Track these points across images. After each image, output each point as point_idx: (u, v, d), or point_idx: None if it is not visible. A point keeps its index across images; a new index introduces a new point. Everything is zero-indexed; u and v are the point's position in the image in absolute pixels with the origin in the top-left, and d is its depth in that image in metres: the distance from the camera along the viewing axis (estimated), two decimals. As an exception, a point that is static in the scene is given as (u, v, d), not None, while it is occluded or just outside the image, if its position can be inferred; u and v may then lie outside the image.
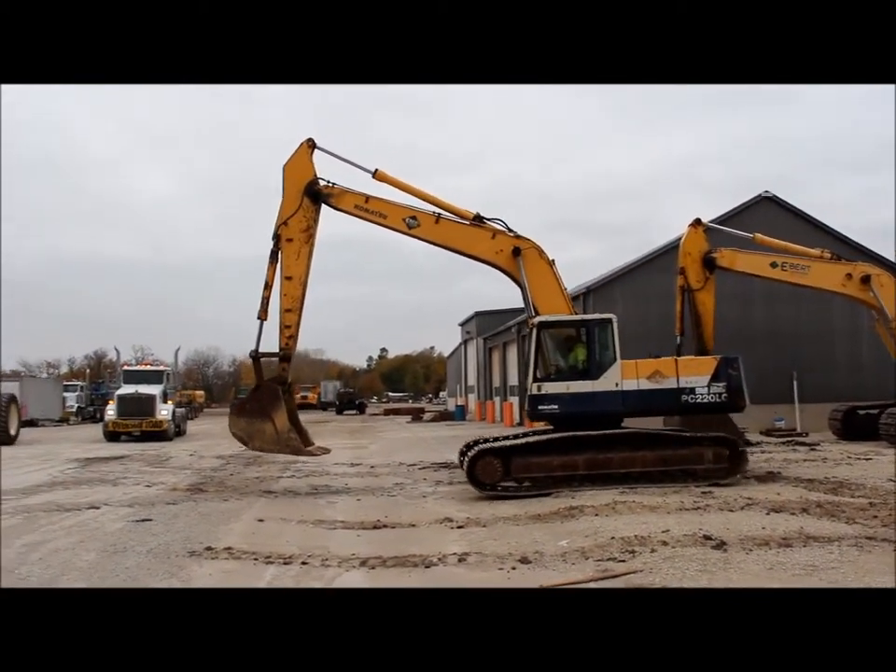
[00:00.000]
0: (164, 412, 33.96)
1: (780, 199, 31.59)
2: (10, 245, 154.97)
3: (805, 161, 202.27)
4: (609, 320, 15.81)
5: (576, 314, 16.51)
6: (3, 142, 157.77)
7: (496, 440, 16.17)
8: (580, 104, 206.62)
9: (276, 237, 16.31)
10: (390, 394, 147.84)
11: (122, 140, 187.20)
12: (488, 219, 16.46)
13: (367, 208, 16.38)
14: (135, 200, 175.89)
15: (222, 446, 28.48)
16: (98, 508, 14.05)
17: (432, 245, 16.66)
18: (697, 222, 22.99)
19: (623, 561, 9.04)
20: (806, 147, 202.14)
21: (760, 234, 22.90)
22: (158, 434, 33.19)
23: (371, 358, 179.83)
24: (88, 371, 77.23)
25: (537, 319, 15.74)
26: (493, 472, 14.61)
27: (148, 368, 38.65)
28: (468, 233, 16.41)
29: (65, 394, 56.61)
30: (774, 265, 22.39)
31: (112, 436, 33.33)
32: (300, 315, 16.44)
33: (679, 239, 23.89)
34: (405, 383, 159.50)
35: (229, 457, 24.04)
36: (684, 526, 10.69)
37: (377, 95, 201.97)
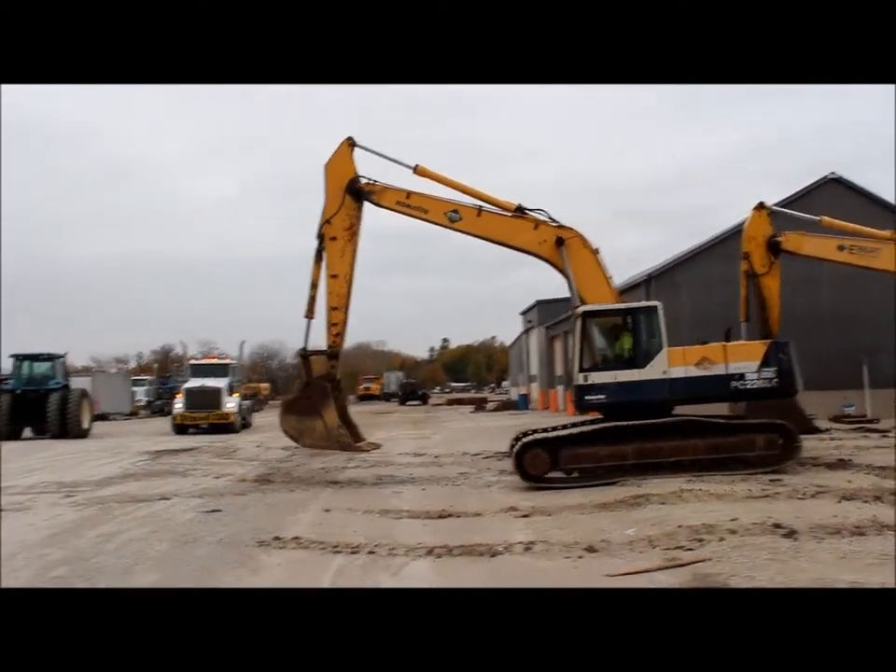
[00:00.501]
0: (230, 404, 34.42)
1: (847, 180, 30.69)
2: (81, 248, 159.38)
3: (872, 143, 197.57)
4: (655, 307, 15.66)
5: (622, 302, 16.30)
6: (69, 147, 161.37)
7: (544, 430, 16.10)
8: (637, 97, 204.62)
9: (320, 236, 16.47)
10: (452, 384, 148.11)
11: (183, 144, 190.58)
12: (530, 210, 16.30)
13: (408, 204, 16.38)
14: (199, 201, 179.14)
15: (287, 438, 28.75)
16: (169, 499, 14.34)
17: (475, 238, 16.62)
18: (761, 206, 22.55)
19: (691, 549, 8.94)
20: (874, 130, 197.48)
21: (826, 217, 22.40)
22: (224, 426, 33.66)
23: (433, 349, 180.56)
24: (155, 365, 78.64)
25: (581, 309, 15.57)
26: (540, 464, 14.56)
27: (214, 361, 39.18)
28: (510, 225, 16.29)
29: (134, 388, 57.86)
30: (841, 248, 21.86)
31: (180, 429, 33.91)
32: (346, 313, 16.58)
33: (743, 224, 23.50)
34: (467, 372, 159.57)
35: (294, 449, 24.18)
36: (753, 514, 10.52)
37: (433, 94, 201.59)
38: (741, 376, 15.17)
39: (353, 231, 16.45)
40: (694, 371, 15.13)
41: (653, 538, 9.59)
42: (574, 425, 16.07)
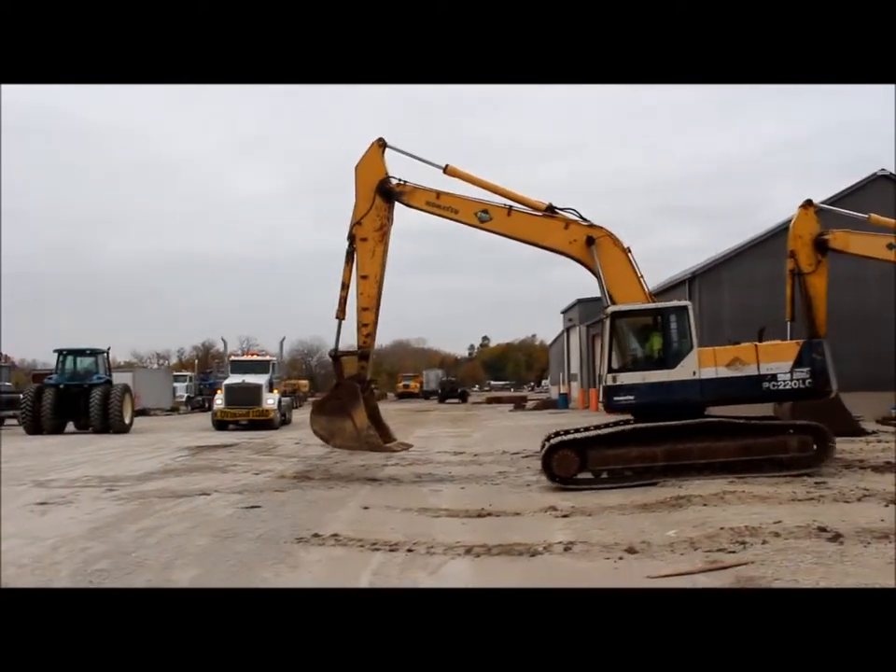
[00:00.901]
0: (270, 401, 34.60)
1: (896, 177, 30.22)
2: (121, 246, 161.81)
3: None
4: (685, 307, 15.48)
5: (653, 302, 16.09)
6: (106, 147, 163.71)
7: (575, 431, 15.98)
8: (675, 95, 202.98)
9: (351, 237, 16.53)
10: (492, 382, 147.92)
11: (222, 144, 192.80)
12: (561, 209, 16.18)
13: (438, 204, 16.37)
14: (238, 199, 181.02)
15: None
16: (209, 494, 14.43)
17: (506, 238, 16.55)
18: (808, 203, 22.20)
19: (734, 552, 8.79)
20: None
21: (875, 215, 22.01)
22: (264, 423, 33.87)
23: (472, 347, 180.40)
24: (196, 361, 79.34)
25: (610, 309, 15.40)
26: (569, 465, 14.45)
27: (255, 358, 39.47)
28: (540, 225, 16.19)
29: (175, 384, 58.38)
30: (891, 246, 21.43)
31: (220, 424, 34.17)
32: (377, 314, 16.64)
33: (789, 221, 23.16)
34: (507, 371, 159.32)
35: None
36: (797, 517, 10.32)
37: (463, 93, 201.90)
38: (773, 377, 14.94)
39: (383, 232, 16.51)
40: (725, 372, 14.92)
41: (695, 539, 9.45)
42: (607, 425, 15.94)
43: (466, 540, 9.91)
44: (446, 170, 16.49)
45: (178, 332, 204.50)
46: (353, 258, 16.50)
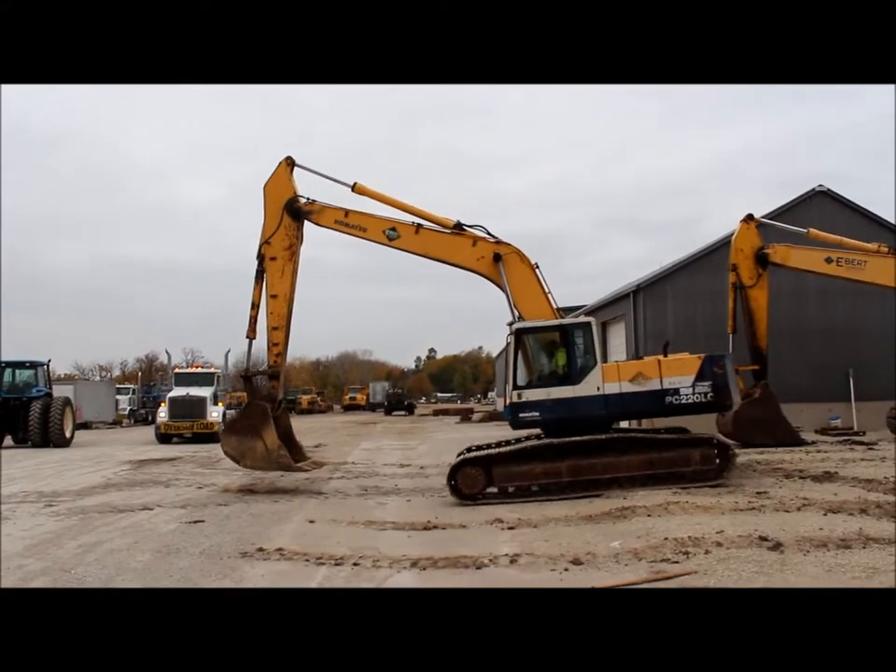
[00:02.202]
0: (215, 413, 34.25)
1: (835, 193, 30.69)
2: (63, 253, 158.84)
3: (856, 156, 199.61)
4: (588, 324, 15.59)
5: (562, 318, 16.14)
6: (59, 152, 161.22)
7: (485, 447, 16.01)
8: (627, 104, 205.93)
9: (260, 256, 16.61)
10: (439, 394, 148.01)
11: (167, 149, 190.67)
12: (469, 226, 16.27)
13: (347, 222, 16.49)
14: (181, 206, 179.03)
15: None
16: (151, 509, 14.20)
17: (415, 256, 16.60)
18: (749, 218, 22.69)
19: (677, 562, 8.89)
20: (857, 141, 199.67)
21: (814, 229, 22.52)
22: (209, 436, 33.42)
23: (419, 359, 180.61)
24: (139, 373, 78.08)
25: (514, 326, 15.52)
26: (474, 482, 14.54)
27: (199, 370, 39.03)
28: (448, 242, 16.28)
29: (118, 396, 57.44)
30: (829, 260, 22.00)
31: (164, 438, 33.68)
32: (287, 333, 16.80)
33: (731, 235, 23.59)
34: (454, 383, 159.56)
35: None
36: (739, 527, 10.48)
37: (426, 99, 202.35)
38: (676, 391, 15.03)
39: (292, 251, 16.60)
40: (629, 387, 15.03)
41: (639, 550, 9.54)
42: (528, 438, 16.04)
43: (412, 553, 9.88)
44: (354, 188, 16.61)
45: (122, 344, 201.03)
46: (262, 277, 16.58)
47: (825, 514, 11.39)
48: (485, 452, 15.22)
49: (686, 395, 15.01)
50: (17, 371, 34.15)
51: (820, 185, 30.74)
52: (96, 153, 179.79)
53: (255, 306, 16.65)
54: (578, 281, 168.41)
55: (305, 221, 16.72)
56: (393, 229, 16.26)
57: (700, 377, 15.05)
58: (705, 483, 14.24)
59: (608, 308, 34.20)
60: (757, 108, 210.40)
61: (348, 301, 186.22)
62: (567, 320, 15.83)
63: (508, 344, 15.69)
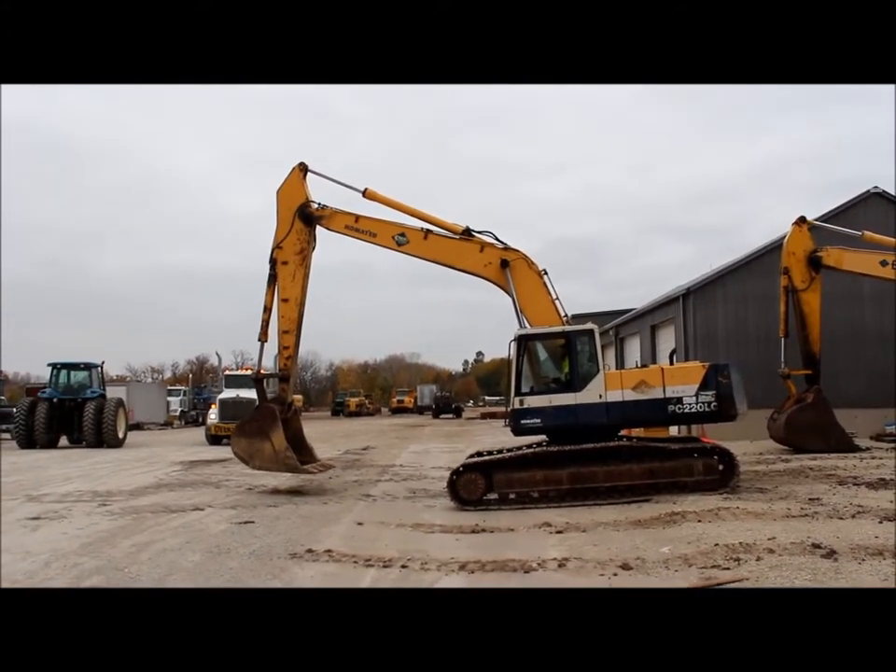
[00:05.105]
0: (265, 415, 34.40)
1: (890, 194, 30.05)
2: (116, 261, 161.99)
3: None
4: (591, 331, 15.40)
5: (569, 325, 15.97)
6: (100, 163, 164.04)
7: (487, 453, 15.92)
8: (668, 110, 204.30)
9: (272, 261, 16.81)
10: (486, 398, 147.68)
11: (214, 162, 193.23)
12: (477, 232, 16.32)
13: (357, 227, 16.64)
14: (228, 216, 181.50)
15: (320, 450, 28.70)
16: (202, 510, 14.37)
17: (423, 261, 16.70)
18: (802, 220, 22.35)
19: (728, 569, 8.78)
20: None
21: (868, 232, 22.12)
22: (259, 437, 33.66)
23: (466, 362, 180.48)
24: (190, 375, 79.09)
25: (517, 332, 15.42)
26: (475, 488, 14.48)
27: (249, 372, 39.33)
28: (456, 247, 16.33)
29: (169, 398, 58.31)
30: (884, 263, 21.60)
31: (214, 439, 33.97)
32: (298, 337, 17.03)
33: (783, 239, 23.26)
34: (501, 386, 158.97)
35: (327, 460, 24.29)
36: (791, 534, 10.33)
37: (464, 106, 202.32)
38: (679, 400, 14.88)
39: (304, 256, 16.79)
40: (632, 395, 14.90)
41: (689, 556, 9.45)
42: (537, 445, 15.92)
43: (460, 557, 9.89)
44: (365, 193, 16.70)
45: (173, 346, 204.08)
46: (275, 281, 16.79)
47: (881, 522, 11.17)
48: (485, 458, 15.25)
49: (689, 404, 14.87)
50: (72, 373, 34.81)
51: (875, 186, 30.14)
52: (140, 166, 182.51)
53: (267, 310, 16.93)
54: (619, 288, 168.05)
55: (317, 226, 16.92)
56: (402, 234, 16.42)
57: (704, 386, 14.90)
58: (708, 493, 14.02)
59: (657, 311, 33.90)
60: (799, 111, 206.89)
61: (396, 304, 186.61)
62: (570, 327, 15.70)
63: (510, 351, 15.55)
